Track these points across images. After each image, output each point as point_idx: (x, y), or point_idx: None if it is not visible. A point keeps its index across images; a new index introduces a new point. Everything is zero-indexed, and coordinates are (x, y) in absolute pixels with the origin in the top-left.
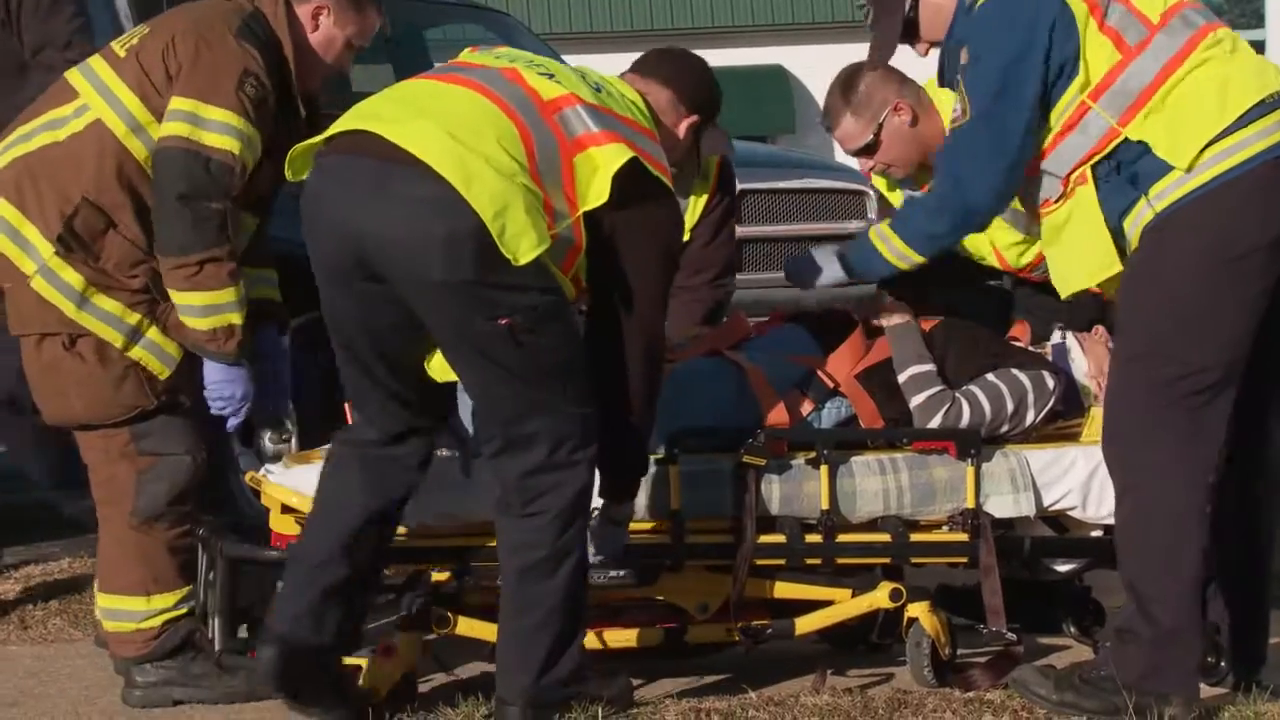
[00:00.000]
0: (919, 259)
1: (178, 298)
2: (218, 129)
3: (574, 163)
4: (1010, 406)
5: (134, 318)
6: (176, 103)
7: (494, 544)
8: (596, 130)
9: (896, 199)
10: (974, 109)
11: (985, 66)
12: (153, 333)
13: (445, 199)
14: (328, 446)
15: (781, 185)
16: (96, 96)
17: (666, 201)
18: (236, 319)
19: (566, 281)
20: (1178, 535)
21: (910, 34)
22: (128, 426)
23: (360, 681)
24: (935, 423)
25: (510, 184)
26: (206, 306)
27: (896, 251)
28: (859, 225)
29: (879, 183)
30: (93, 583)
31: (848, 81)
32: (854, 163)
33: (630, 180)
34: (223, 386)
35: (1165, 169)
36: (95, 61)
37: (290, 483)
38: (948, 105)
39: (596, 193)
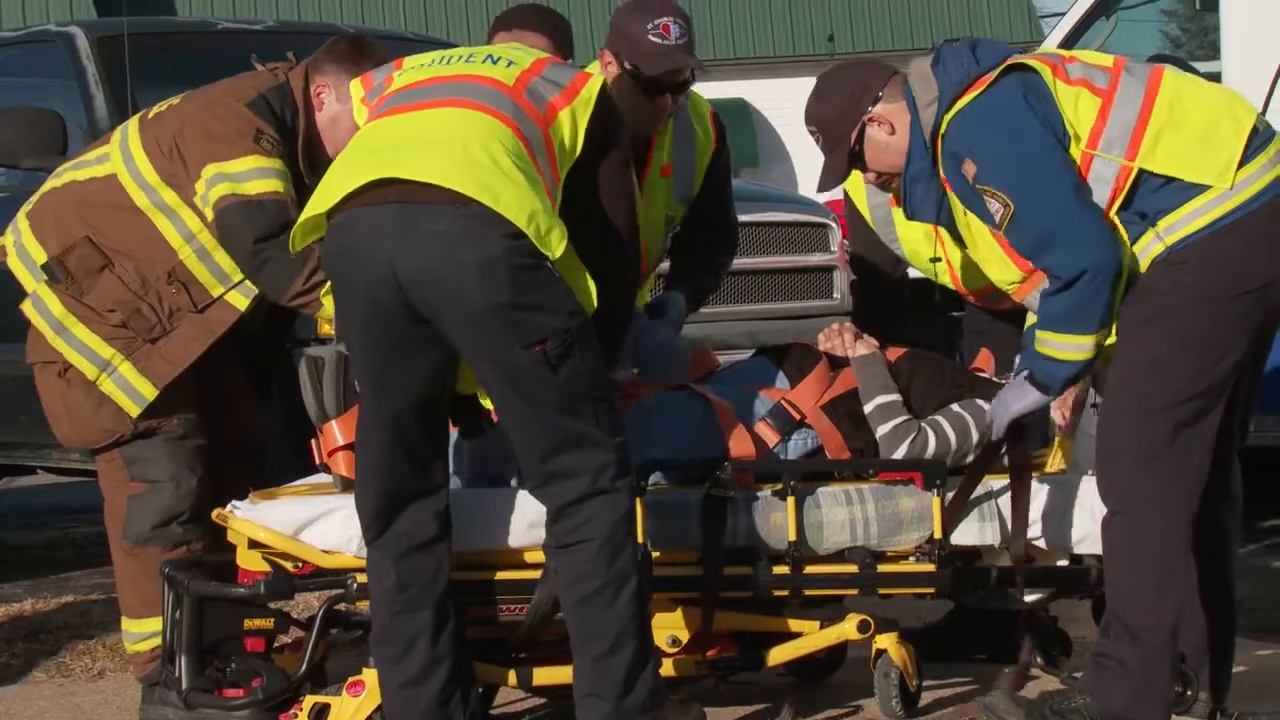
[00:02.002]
0: (1091, 338)
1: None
2: (254, 175)
3: (550, 134)
4: (975, 436)
5: (108, 351)
6: (205, 173)
7: (479, 578)
8: (557, 93)
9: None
10: (1012, 196)
11: (995, 157)
12: (125, 368)
13: (471, 228)
14: (294, 483)
15: (745, 219)
16: (118, 151)
17: (621, 121)
18: None
19: (585, 285)
20: (1165, 560)
21: (858, 163)
22: (118, 452)
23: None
24: (901, 452)
25: (528, 187)
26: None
27: (1065, 346)
28: (822, 258)
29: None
30: (54, 623)
31: None
32: (817, 196)
33: (598, 112)
34: None
35: (1175, 203)
36: (134, 117)
37: (256, 518)
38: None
39: (572, 152)
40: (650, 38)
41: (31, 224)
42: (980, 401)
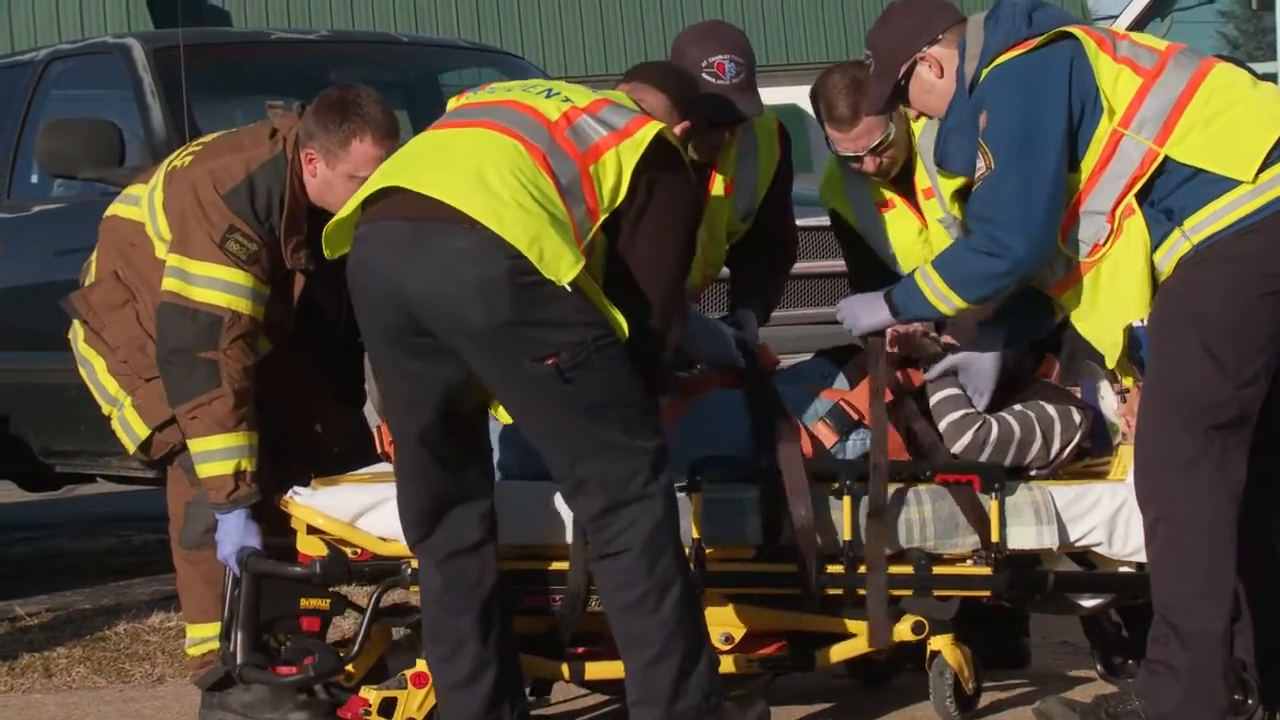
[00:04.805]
0: (960, 302)
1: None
2: (204, 284)
3: (590, 173)
4: (1038, 432)
5: (114, 388)
6: (169, 259)
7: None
8: (605, 134)
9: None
10: (999, 161)
11: (1006, 121)
12: (128, 405)
13: (476, 248)
14: (355, 471)
15: (801, 223)
16: (147, 201)
17: (684, 174)
18: (220, 469)
19: (611, 310)
20: (1213, 564)
21: (901, 98)
22: (179, 460)
23: (396, 712)
24: (964, 441)
25: (537, 214)
26: (198, 454)
27: (938, 292)
28: None
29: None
30: (115, 630)
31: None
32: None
33: (652, 158)
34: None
35: (1202, 201)
36: (165, 163)
37: (315, 504)
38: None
39: (617, 193)
40: (704, 75)
41: (96, 252)
42: (1044, 404)
